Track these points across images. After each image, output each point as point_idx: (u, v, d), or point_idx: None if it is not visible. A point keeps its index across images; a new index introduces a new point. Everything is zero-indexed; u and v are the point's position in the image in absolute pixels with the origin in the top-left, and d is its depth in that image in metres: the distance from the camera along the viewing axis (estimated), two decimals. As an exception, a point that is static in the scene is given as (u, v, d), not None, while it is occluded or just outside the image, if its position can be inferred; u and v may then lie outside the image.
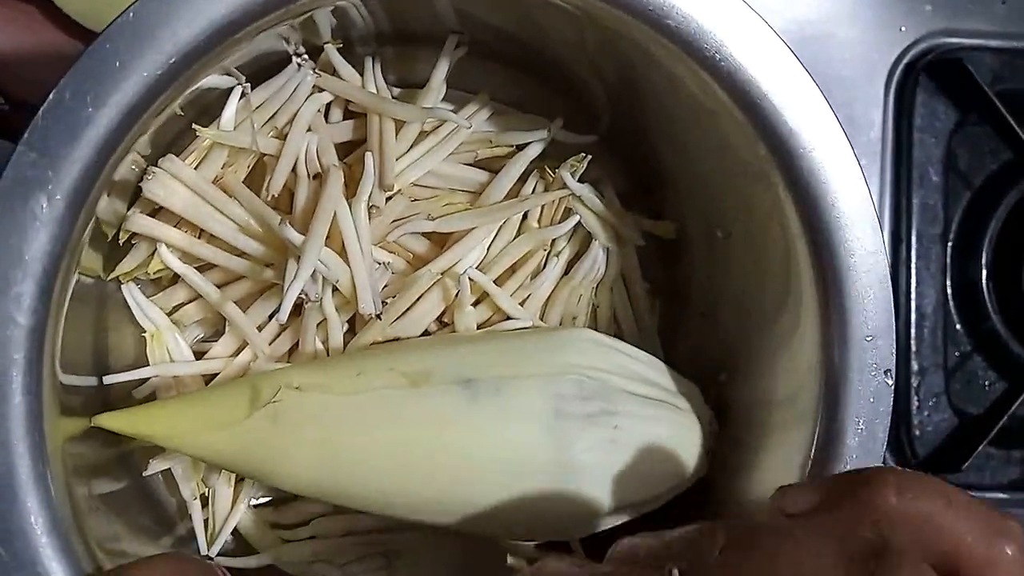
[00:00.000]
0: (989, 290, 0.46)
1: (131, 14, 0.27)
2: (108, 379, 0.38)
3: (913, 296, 0.47)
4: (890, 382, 0.34)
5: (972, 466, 0.44)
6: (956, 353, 0.46)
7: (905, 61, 0.46)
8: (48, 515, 0.28)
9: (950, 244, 0.46)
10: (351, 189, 0.38)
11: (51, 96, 0.27)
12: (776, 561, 0.21)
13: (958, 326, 0.46)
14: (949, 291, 0.46)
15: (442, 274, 0.40)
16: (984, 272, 0.46)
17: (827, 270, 0.34)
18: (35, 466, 0.28)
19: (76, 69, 0.27)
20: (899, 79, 0.46)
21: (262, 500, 0.42)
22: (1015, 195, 0.45)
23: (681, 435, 0.38)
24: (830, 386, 0.34)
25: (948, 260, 0.46)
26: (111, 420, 0.35)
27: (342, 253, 0.38)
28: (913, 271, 0.47)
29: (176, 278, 0.40)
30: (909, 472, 0.24)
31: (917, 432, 0.47)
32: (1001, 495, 0.46)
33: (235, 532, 0.41)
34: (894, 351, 0.34)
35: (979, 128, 0.46)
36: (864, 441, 0.34)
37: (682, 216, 0.44)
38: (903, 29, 0.46)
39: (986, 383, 0.47)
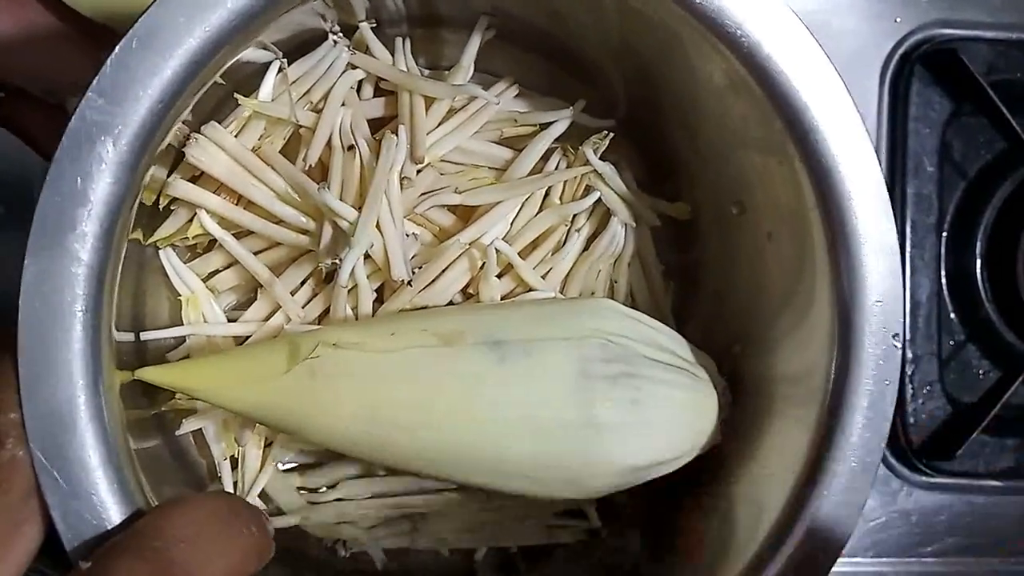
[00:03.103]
0: (983, 279, 0.46)
1: (196, -27, 0.29)
2: (145, 335, 0.39)
3: (908, 285, 0.48)
4: (898, 345, 0.36)
5: (966, 454, 0.45)
6: (950, 342, 0.47)
7: (900, 52, 0.46)
8: (104, 448, 0.29)
9: (945, 234, 0.47)
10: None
11: (119, 45, 0.28)
12: None
13: (952, 315, 0.47)
14: (943, 280, 0.47)
15: (469, 245, 0.41)
16: (978, 262, 0.46)
17: (839, 239, 0.36)
18: (93, 400, 0.29)
19: (144, 20, 0.29)
20: (894, 70, 0.46)
21: (290, 464, 0.43)
22: (1009, 185, 0.46)
23: (698, 401, 0.39)
24: (842, 349, 0.36)
25: (943, 250, 0.47)
26: (153, 373, 0.36)
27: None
28: (908, 260, 0.48)
29: (211, 245, 0.42)
30: None
31: (911, 420, 0.48)
32: (994, 483, 0.47)
33: (263, 494, 0.42)
34: (902, 316, 0.36)
35: (974, 118, 0.47)
36: (875, 401, 0.36)
37: (695, 198, 0.46)
38: (898, 20, 0.47)
39: (980, 372, 0.47)
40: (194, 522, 0.29)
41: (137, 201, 0.31)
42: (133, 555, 0.27)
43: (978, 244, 0.46)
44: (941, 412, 0.47)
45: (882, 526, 0.47)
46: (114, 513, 0.29)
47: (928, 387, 0.47)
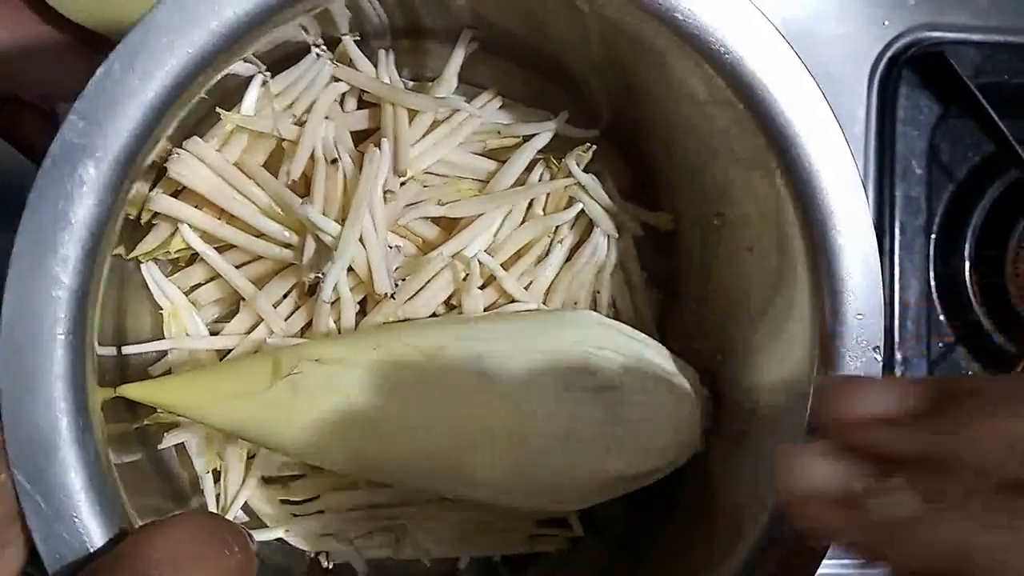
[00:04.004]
0: (972, 282, 0.46)
1: (178, -7, 0.29)
2: (127, 349, 0.39)
3: (897, 287, 0.48)
4: (878, 358, 0.36)
5: None
6: (939, 344, 0.47)
7: (888, 55, 0.47)
8: (87, 471, 0.29)
9: (933, 236, 0.47)
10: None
11: (100, 68, 0.28)
12: None
13: (941, 317, 0.47)
14: (932, 283, 0.47)
15: (452, 257, 0.41)
16: (967, 264, 0.46)
17: (820, 251, 0.36)
18: (76, 423, 0.29)
19: (126, 43, 0.28)
20: (882, 73, 0.46)
21: (272, 475, 0.43)
22: (997, 187, 0.46)
23: (680, 412, 0.40)
24: (822, 361, 0.36)
25: (931, 252, 0.47)
26: (136, 390, 0.36)
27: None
28: (896, 263, 0.48)
29: (193, 259, 0.42)
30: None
31: (900, 422, 0.48)
32: None
33: (245, 507, 0.42)
34: (882, 329, 0.36)
35: (961, 121, 0.47)
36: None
37: (677, 208, 0.46)
38: (886, 23, 0.47)
39: (969, 373, 0.48)
40: (176, 544, 0.29)
41: (120, 220, 0.31)
42: (115, 576, 0.27)
43: (967, 246, 0.46)
44: (930, 415, 0.47)
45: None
46: (96, 536, 0.29)
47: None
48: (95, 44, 0.40)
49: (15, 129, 0.43)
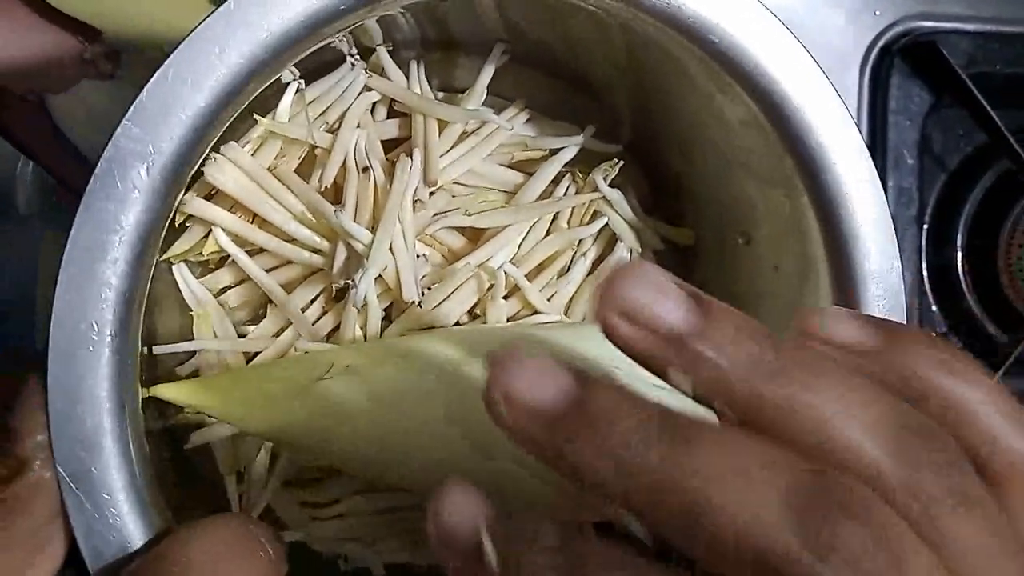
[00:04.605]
0: (964, 272, 0.46)
1: (232, 3, 0.29)
2: (157, 349, 0.39)
3: None
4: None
5: None
6: (932, 334, 0.48)
7: (880, 45, 0.46)
8: (128, 471, 0.30)
9: (925, 226, 0.46)
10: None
11: (155, 76, 0.29)
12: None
13: (934, 307, 0.47)
14: (925, 273, 0.46)
15: (478, 267, 0.42)
16: (959, 254, 0.46)
17: (845, 276, 0.37)
18: (119, 423, 0.30)
19: (180, 52, 0.29)
20: (874, 62, 0.46)
21: (294, 479, 0.44)
22: (990, 177, 0.46)
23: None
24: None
25: (923, 242, 0.46)
26: (168, 391, 0.36)
27: (386, 243, 0.40)
28: None
29: (222, 262, 0.42)
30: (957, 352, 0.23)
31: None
32: None
33: (267, 509, 0.43)
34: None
35: (953, 111, 0.46)
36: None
37: (699, 224, 0.47)
38: (878, 13, 0.47)
39: None
40: (213, 547, 0.29)
41: (166, 226, 0.31)
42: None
43: (959, 236, 0.46)
44: (923, 404, 0.47)
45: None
46: (136, 535, 0.30)
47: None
48: (87, 35, 0.40)
49: (4, 121, 0.43)
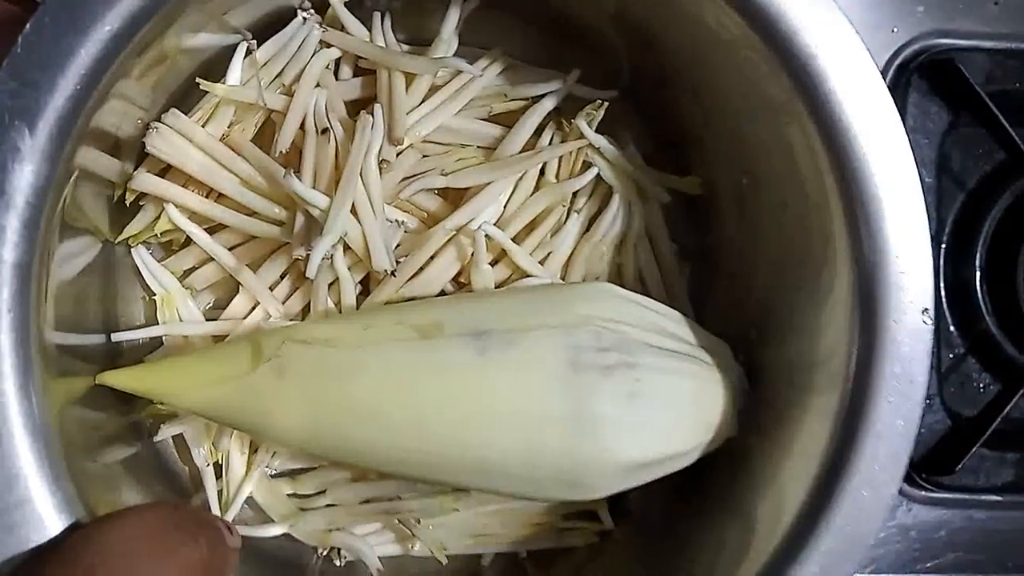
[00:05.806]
0: (983, 292, 0.44)
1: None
2: (116, 336, 0.37)
3: None
4: (928, 321, 0.32)
5: (966, 468, 0.43)
6: (950, 355, 0.45)
7: (897, 62, 0.45)
8: (38, 456, 0.28)
9: (943, 245, 0.45)
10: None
11: (30, 23, 0.26)
12: None
13: (952, 328, 0.45)
14: (943, 293, 0.45)
15: (457, 231, 0.39)
16: (978, 274, 0.44)
17: (857, 203, 0.32)
18: (24, 404, 0.27)
19: (56, -5, 0.26)
20: (891, 80, 0.45)
21: (279, 471, 0.41)
22: (1008, 196, 0.44)
23: (707, 390, 0.36)
24: (864, 328, 0.32)
25: (942, 262, 0.45)
26: (114, 377, 0.34)
27: (352, 209, 0.37)
28: None
29: (186, 243, 0.40)
30: None
31: (911, 434, 0.46)
32: (995, 497, 0.45)
33: (252, 502, 0.40)
34: (931, 289, 0.32)
35: (972, 129, 0.45)
36: (902, 385, 0.32)
37: (708, 173, 0.42)
38: (895, 30, 0.45)
39: (980, 385, 0.45)
40: (130, 537, 0.27)
41: (65, 192, 0.29)
42: (61, 572, 0.25)
43: (977, 256, 0.44)
44: (940, 426, 0.45)
45: (881, 541, 0.44)
46: (49, 526, 0.27)
47: (928, 400, 0.45)
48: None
49: None
